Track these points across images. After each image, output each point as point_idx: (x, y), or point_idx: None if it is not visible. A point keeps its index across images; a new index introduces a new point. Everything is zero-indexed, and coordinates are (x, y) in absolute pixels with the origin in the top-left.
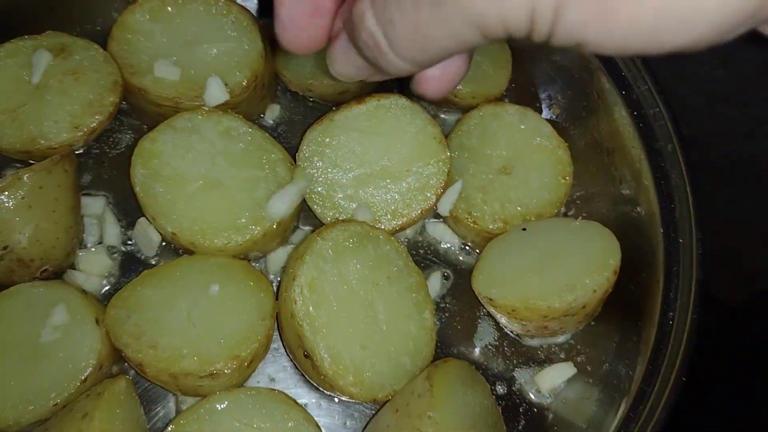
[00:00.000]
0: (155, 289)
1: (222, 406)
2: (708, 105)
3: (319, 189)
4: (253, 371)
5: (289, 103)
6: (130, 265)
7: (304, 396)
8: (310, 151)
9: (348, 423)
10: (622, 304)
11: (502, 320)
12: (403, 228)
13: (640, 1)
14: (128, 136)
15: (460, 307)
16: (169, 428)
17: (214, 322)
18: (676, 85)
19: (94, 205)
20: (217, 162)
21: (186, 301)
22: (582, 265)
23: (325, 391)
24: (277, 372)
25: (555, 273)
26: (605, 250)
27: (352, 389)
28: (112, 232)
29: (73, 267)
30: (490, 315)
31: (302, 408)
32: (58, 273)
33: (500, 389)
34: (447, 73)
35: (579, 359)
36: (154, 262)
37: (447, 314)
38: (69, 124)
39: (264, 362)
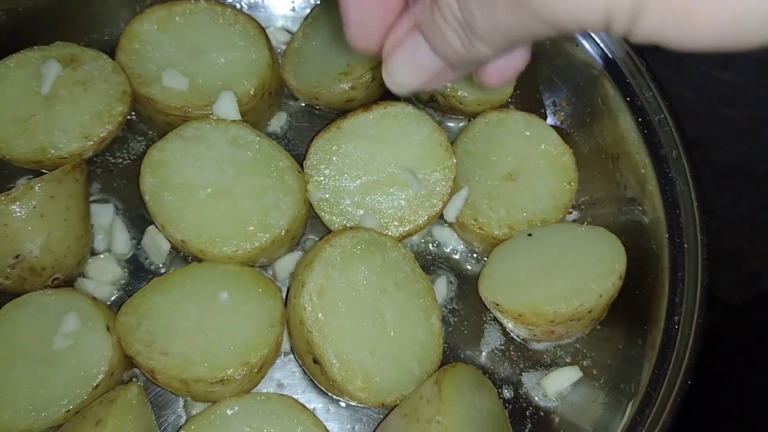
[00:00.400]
0: (165, 297)
1: (232, 411)
2: (710, 107)
3: (327, 196)
4: (263, 377)
5: (296, 111)
6: (140, 273)
7: (313, 401)
8: (317, 158)
9: (356, 428)
10: (627, 309)
11: (509, 325)
12: (409, 234)
13: (722, 0)
14: (137, 144)
15: (466, 312)
16: None
17: (224, 329)
18: (678, 87)
19: (104, 213)
20: (225, 170)
21: (196, 308)
22: (588, 271)
23: (333, 396)
24: (285, 378)
25: (561, 278)
26: (611, 256)
27: (361, 394)
28: (122, 240)
29: (83, 275)
30: (496, 320)
31: (311, 413)
32: (69, 281)
33: (507, 393)
34: (510, 63)
35: (585, 363)
36: (163, 270)
37: (454, 319)
38: (79, 134)
39: (273, 368)
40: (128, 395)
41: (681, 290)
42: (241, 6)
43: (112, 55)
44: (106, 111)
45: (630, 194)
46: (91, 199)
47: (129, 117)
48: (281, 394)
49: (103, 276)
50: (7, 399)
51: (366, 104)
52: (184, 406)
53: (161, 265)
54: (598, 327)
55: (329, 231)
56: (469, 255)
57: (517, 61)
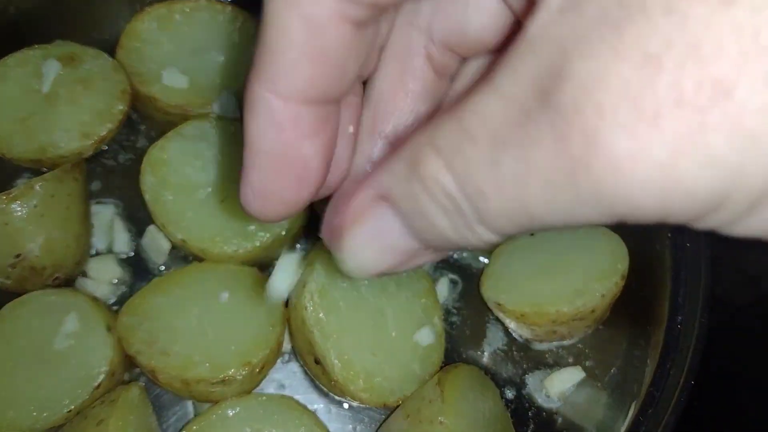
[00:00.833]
0: (166, 297)
1: (233, 412)
2: None
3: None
4: (264, 377)
5: None
6: (140, 273)
7: (315, 402)
8: None
9: (358, 428)
10: (630, 308)
11: (511, 325)
12: None
13: None
14: (137, 143)
15: (468, 313)
16: None
17: (225, 329)
18: None
19: (104, 212)
20: (225, 169)
21: (197, 309)
22: (590, 270)
23: (335, 397)
24: (287, 378)
25: (563, 278)
26: (613, 255)
27: (363, 394)
28: (122, 240)
29: (83, 274)
30: (498, 320)
31: (313, 414)
32: (69, 280)
33: (509, 394)
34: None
35: (587, 363)
36: (164, 270)
37: (456, 319)
38: (79, 132)
39: (274, 369)
40: (129, 395)
41: (684, 290)
42: (242, 3)
43: (112, 53)
44: (106, 110)
45: None
46: (91, 198)
47: (129, 116)
48: (283, 395)
49: (104, 276)
50: (9, 399)
51: None
52: (188, 406)
53: (162, 265)
54: (601, 327)
55: None
56: (472, 255)
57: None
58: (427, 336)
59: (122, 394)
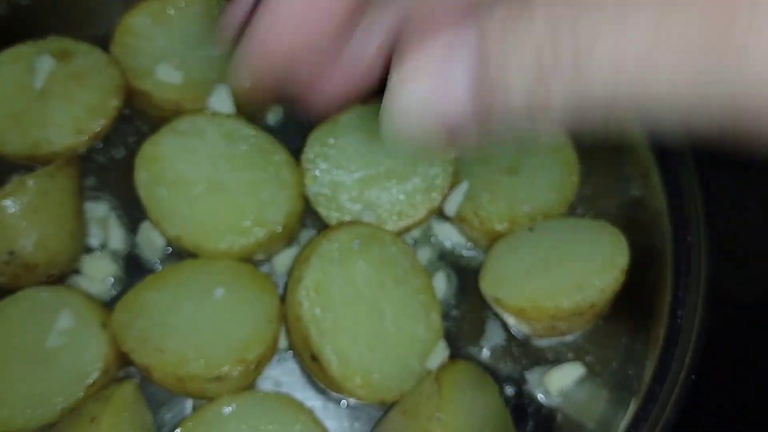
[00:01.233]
0: (160, 293)
1: (229, 409)
2: None
3: (324, 190)
4: (260, 374)
5: (291, 105)
6: (135, 269)
7: (311, 399)
8: (314, 152)
9: (355, 425)
10: (631, 304)
11: (510, 321)
12: (408, 229)
13: None
14: (131, 139)
15: (467, 308)
16: (177, 431)
17: (220, 326)
18: None
19: (98, 209)
20: (220, 165)
21: (191, 305)
22: (590, 265)
23: (332, 394)
24: (283, 375)
25: (563, 273)
26: (613, 249)
27: (360, 391)
28: (116, 236)
29: (77, 271)
30: (497, 316)
31: (309, 411)
32: (62, 277)
33: (509, 390)
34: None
35: (588, 359)
36: (158, 266)
37: (454, 315)
38: (72, 128)
39: (270, 366)
40: (123, 393)
41: (684, 284)
42: None
43: (106, 48)
44: (100, 105)
45: (634, 186)
46: (85, 194)
47: (123, 111)
48: (279, 392)
49: (98, 272)
50: (2, 397)
51: (364, 97)
52: (183, 403)
53: (157, 261)
54: (601, 322)
55: (327, 226)
56: (470, 250)
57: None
58: (425, 332)
59: (116, 391)
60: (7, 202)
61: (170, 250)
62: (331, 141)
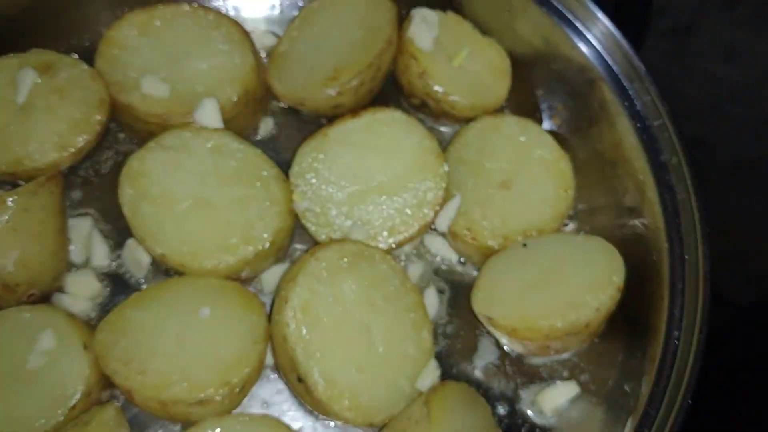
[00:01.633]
0: (144, 312)
1: None
2: (714, 104)
3: (313, 206)
4: (245, 396)
5: (282, 117)
6: (119, 287)
7: (300, 420)
8: (303, 167)
9: None
10: (626, 321)
11: (503, 340)
12: (400, 245)
13: None
14: (117, 152)
15: (459, 325)
16: None
17: (205, 346)
18: (682, 84)
19: (82, 225)
20: (207, 180)
21: (176, 325)
22: (585, 283)
23: (320, 415)
24: (271, 395)
25: (557, 291)
26: (609, 267)
27: (348, 414)
28: (100, 253)
29: (60, 290)
30: (490, 333)
31: None
32: (45, 296)
33: (501, 410)
34: None
35: (582, 378)
36: (144, 284)
37: (446, 332)
38: (55, 144)
39: (258, 385)
40: (104, 416)
41: (681, 303)
42: (226, 8)
43: (91, 60)
44: (84, 120)
45: (629, 202)
46: (69, 211)
47: (109, 124)
48: (265, 415)
49: (82, 291)
50: None
51: (354, 110)
52: (167, 426)
53: (142, 279)
54: (597, 340)
55: (316, 242)
56: (462, 265)
57: None
58: (416, 351)
59: (96, 415)
60: None
61: (157, 266)
62: (321, 156)
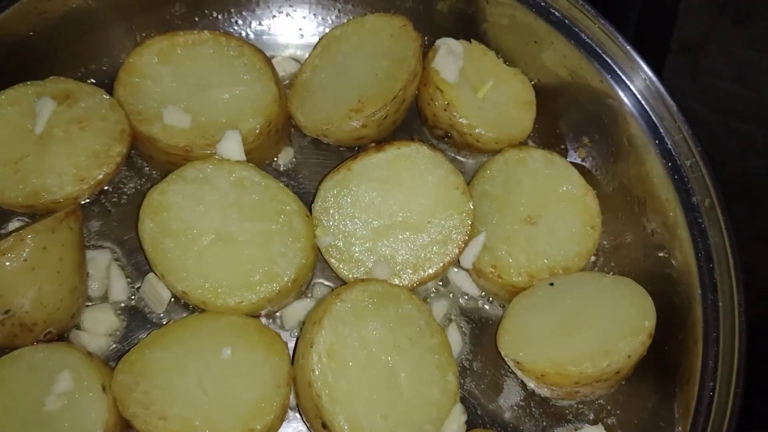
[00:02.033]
0: (165, 352)
1: None
2: (724, 122)
3: (336, 242)
4: None
5: (304, 146)
6: (138, 323)
7: None
8: (327, 202)
9: None
10: (656, 364)
11: (531, 384)
12: (423, 282)
13: None
14: (137, 184)
15: (483, 364)
16: None
17: (227, 390)
18: (691, 101)
19: (101, 259)
20: (229, 215)
21: (197, 366)
22: (615, 328)
23: None
24: None
25: (586, 335)
26: (640, 311)
27: None
28: (119, 287)
29: (78, 326)
30: (515, 373)
31: None
32: (62, 334)
33: None
34: None
35: (609, 421)
36: (164, 319)
37: (471, 373)
38: (74, 176)
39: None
40: None
41: (715, 353)
42: (247, 34)
43: (110, 86)
44: (104, 151)
45: (657, 240)
46: (87, 243)
47: (130, 154)
48: None
49: (100, 327)
50: None
51: (378, 143)
52: None
53: (161, 314)
54: (624, 382)
55: (338, 277)
56: (487, 303)
57: None
58: (441, 395)
59: None
60: (4, 260)
61: (177, 301)
62: (344, 191)
